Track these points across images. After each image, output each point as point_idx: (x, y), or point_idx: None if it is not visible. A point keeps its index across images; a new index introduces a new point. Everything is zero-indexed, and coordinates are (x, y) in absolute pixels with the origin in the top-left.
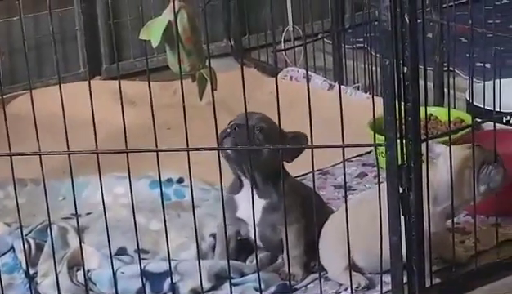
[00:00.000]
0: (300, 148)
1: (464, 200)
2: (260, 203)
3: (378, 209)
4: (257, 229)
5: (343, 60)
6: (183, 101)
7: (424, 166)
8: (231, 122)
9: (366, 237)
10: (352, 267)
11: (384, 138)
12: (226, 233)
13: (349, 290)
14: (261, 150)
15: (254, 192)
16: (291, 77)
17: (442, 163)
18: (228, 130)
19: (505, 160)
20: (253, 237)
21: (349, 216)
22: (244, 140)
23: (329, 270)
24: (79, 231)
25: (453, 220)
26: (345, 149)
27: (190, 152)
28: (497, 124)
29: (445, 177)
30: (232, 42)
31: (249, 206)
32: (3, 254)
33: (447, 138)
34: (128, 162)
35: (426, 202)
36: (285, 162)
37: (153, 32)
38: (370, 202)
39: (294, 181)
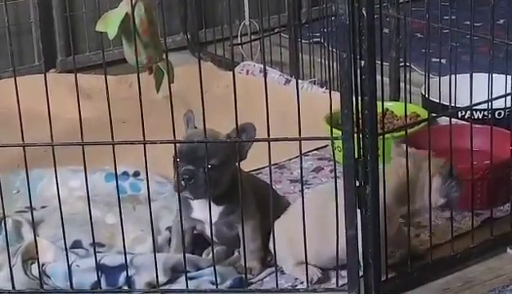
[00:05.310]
0: (257, 141)
1: (421, 206)
2: (218, 209)
3: (328, 206)
4: (213, 227)
5: (300, 55)
6: (140, 94)
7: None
8: (176, 156)
9: (316, 234)
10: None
11: (340, 132)
12: (182, 226)
13: (305, 284)
14: (220, 178)
15: (211, 200)
16: (247, 72)
17: (411, 166)
18: (183, 182)
19: (460, 154)
20: (208, 234)
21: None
22: (200, 189)
23: (282, 265)
24: (34, 224)
25: (409, 216)
26: (301, 143)
27: (146, 145)
28: (453, 119)
29: (411, 180)
30: (189, 36)
31: (205, 209)
32: None
33: (403, 132)
34: (83, 155)
35: (382, 196)
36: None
37: (109, 24)
38: (320, 198)
39: (247, 176)
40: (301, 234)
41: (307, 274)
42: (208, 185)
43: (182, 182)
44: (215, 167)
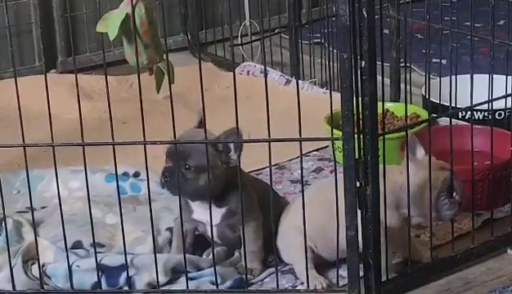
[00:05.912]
0: (257, 141)
1: (419, 214)
2: (219, 212)
3: (330, 201)
4: (216, 229)
5: (300, 55)
6: (140, 95)
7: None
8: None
9: (322, 228)
10: (318, 258)
11: (340, 133)
12: (182, 227)
13: (306, 284)
14: (199, 178)
15: (212, 202)
16: (248, 72)
17: (413, 173)
18: (162, 180)
19: (460, 155)
20: (210, 235)
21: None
22: (177, 186)
23: (292, 258)
24: (34, 225)
25: (409, 221)
26: (301, 144)
27: (146, 145)
28: (453, 119)
29: (411, 187)
30: (189, 37)
31: (206, 211)
32: None
33: (404, 133)
34: (84, 156)
35: (383, 196)
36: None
37: (110, 24)
38: (323, 194)
39: (248, 178)
40: (308, 224)
41: (307, 274)
42: (208, 187)
43: (162, 179)
44: (192, 167)
